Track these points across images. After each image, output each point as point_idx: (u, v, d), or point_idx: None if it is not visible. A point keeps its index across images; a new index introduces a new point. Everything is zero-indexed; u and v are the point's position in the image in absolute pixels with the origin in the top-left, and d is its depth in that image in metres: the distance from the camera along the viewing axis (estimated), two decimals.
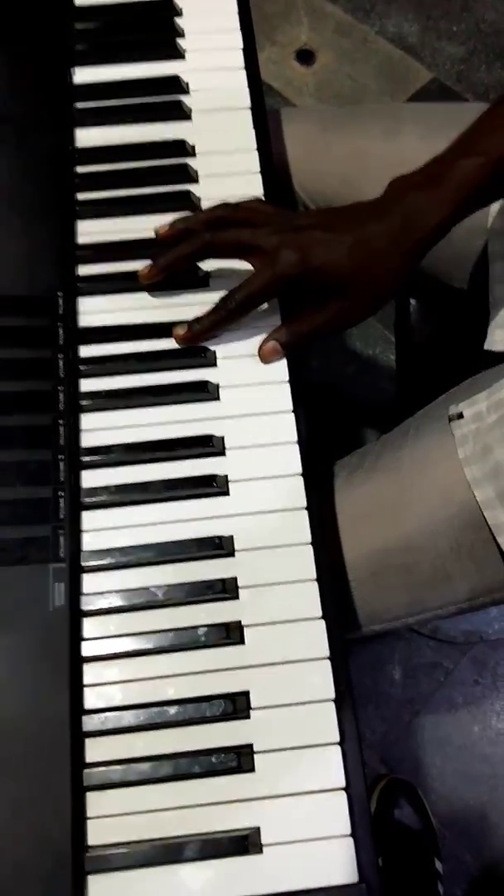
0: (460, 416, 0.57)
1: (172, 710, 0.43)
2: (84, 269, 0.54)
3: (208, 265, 0.55)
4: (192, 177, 0.58)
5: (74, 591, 0.45)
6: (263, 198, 0.57)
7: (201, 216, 0.53)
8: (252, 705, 0.44)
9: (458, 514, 0.55)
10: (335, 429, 1.17)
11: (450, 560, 0.56)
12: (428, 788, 1.03)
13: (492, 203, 0.53)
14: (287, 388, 0.52)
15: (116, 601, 0.45)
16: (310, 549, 0.47)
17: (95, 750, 0.42)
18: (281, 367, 0.52)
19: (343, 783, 0.42)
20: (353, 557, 0.57)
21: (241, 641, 0.45)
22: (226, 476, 0.49)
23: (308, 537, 0.47)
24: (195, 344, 0.52)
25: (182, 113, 0.60)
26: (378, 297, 0.52)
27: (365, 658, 1.10)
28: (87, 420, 0.50)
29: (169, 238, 0.52)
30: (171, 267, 0.52)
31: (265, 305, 0.53)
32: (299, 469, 0.49)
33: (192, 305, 0.53)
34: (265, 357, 0.52)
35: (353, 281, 0.51)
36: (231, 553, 0.47)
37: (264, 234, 0.51)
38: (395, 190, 0.52)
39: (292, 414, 0.51)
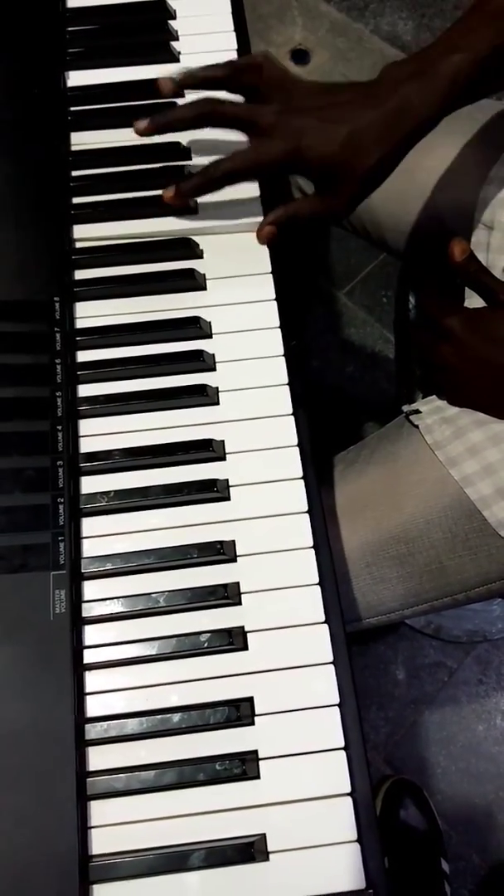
0: (417, 412, 0.58)
1: (176, 717, 0.43)
2: (81, 274, 0.54)
3: (203, 268, 0.54)
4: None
5: (75, 598, 0.45)
6: (259, 196, 0.57)
7: (202, 73, 0.53)
8: (256, 711, 0.43)
9: (451, 504, 0.56)
10: (336, 429, 1.17)
11: (444, 550, 0.56)
12: (433, 788, 1.03)
13: (480, 98, 0.54)
14: (287, 391, 0.51)
15: (118, 608, 0.45)
16: (312, 553, 0.47)
17: (98, 758, 0.42)
18: (281, 370, 0.52)
19: (349, 788, 0.42)
20: (348, 549, 0.57)
21: (245, 647, 0.45)
22: (226, 480, 0.49)
23: (310, 541, 0.47)
24: (179, 205, 0.54)
25: None
26: (365, 188, 0.53)
27: (368, 659, 1.09)
28: (86, 425, 0.50)
29: (170, 92, 0.53)
30: (167, 127, 0.53)
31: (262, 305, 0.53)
32: (300, 472, 0.49)
33: (190, 308, 0.53)
34: (263, 239, 0.54)
35: (341, 172, 0.51)
36: (233, 558, 0.47)
37: (262, 113, 0.51)
38: (389, 78, 0.52)
39: (292, 417, 0.51)
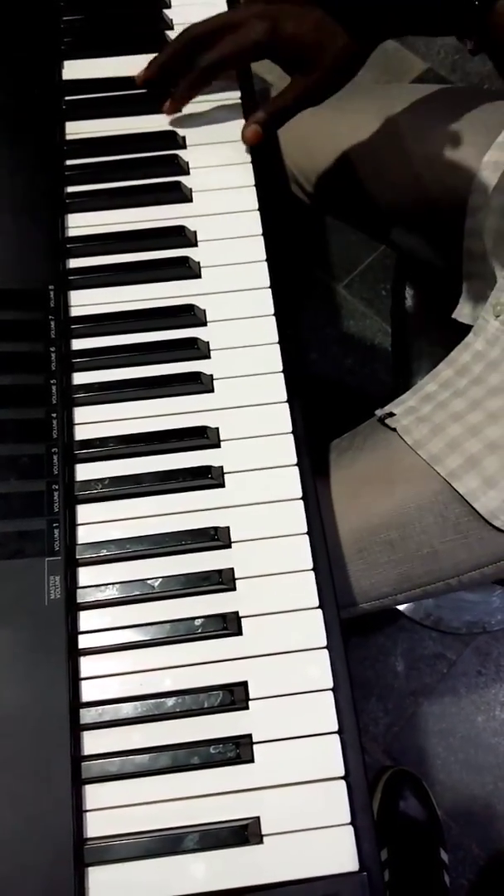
0: (391, 415, 0.58)
1: (170, 701, 0.43)
2: (75, 262, 0.54)
3: (198, 256, 0.54)
4: (182, 168, 0.57)
5: (70, 585, 0.45)
6: (254, 184, 0.57)
7: (182, 38, 0.56)
8: (250, 696, 0.43)
9: (442, 489, 0.56)
10: (334, 421, 1.17)
11: (435, 534, 0.57)
12: (432, 779, 1.03)
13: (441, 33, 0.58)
14: (282, 379, 0.51)
15: (112, 593, 0.45)
16: (306, 539, 0.47)
17: (93, 742, 0.42)
18: (275, 358, 0.52)
19: (342, 772, 0.42)
20: (341, 535, 0.58)
21: (239, 632, 0.45)
22: (221, 467, 0.49)
23: (304, 527, 0.47)
24: (179, 109, 0.59)
25: None
26: (336, 69, 0.55)
27: (367, 650, 1.10)
28: (81, 413, 0.50)
29: (155, 76, 0.58)
30: (186, 98, 0.58)
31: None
32: (294, 460, 0.49)
33: (184, 296, 0.53)
34: (249, 140, 0.57)
35: (315, 52, 0.53)
36: (227, 544, 0.47)
37: (235, 11, 0.55)
38: None
39: (287, 405, 0.51)
